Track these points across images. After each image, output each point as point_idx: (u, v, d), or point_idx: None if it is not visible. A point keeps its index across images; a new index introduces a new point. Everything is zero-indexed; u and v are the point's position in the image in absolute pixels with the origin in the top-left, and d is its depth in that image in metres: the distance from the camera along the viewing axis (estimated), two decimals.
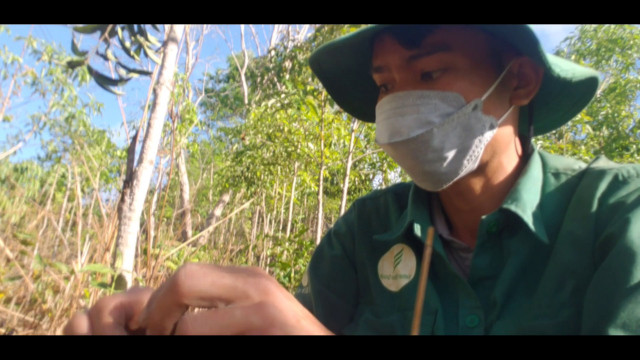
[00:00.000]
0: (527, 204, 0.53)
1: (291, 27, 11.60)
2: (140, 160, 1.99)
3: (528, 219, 0.52)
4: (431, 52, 0.52)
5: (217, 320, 0.28)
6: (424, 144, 0.52)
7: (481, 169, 0.56)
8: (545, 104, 0.63)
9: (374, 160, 7.61)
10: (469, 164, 0.54)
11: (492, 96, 0.54)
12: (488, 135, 0.54)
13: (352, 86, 0.66)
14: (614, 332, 0.40)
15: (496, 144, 0.55)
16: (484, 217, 0.54)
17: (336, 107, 5.03)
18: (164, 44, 2.17)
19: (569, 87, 0.60)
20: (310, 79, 4.61)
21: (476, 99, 0.52)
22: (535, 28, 0.52)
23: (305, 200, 9.55)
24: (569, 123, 5.75)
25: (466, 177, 0.56)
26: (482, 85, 0.53)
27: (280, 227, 7.54)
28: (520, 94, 0.57)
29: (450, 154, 0.53)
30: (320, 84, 4.52)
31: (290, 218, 6.41)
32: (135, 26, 1.92)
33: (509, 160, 0.58)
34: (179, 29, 2.22)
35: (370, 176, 8.34)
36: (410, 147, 0.52)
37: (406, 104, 0.52)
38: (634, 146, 5.80)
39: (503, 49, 0.55)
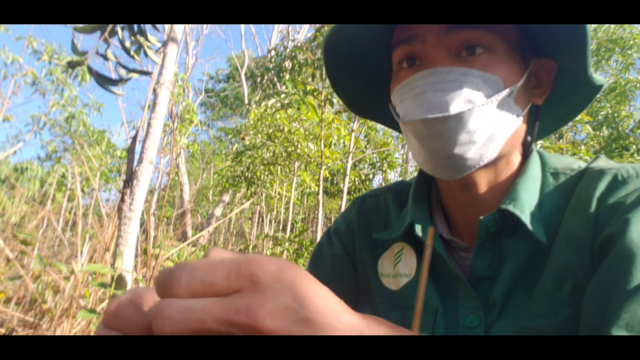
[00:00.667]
0: (526, 204, 0.53)
1: (291, 27, 11.60)
2: (140, 160, 1.99)
3: (526, 219, 0.52)
4: (475, 27, 0.51)
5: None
6: (461, 123, 0.50)
7: (493, 163, 0.56)
8: (553, 107, 0.63)
9: (374, 160, 7.61)
10: (493, 153, 0.53)
11: (521, 87, 0.54)
12: (514, 125, 0.54)
13: (357, 74, 0.64)
14: (617, 332, 0.40)
15: (515, 136, 0.55)
16: (482, 217, 0.54)
17: (336, 107, 5.02)
18: (164, 44, 2.17)
19: (573, 91, 0.60)
20: (310, 79, 4.61)
21: (513, 85, 0.52)
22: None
23: (305, 200, 9.55)
24: (569, 123, 5.75)
25: (477, 169, 0.55)
26: (516, 74, 0.53)
27: (280, 227, 7.54)
28: (535, 93, 0.58)
29: (481, 139, 0.51)
30: (320, 84, 4.51)
31: (290, 218, 6.41)
32: (135, 26, 1.92)
33: (515, 159, 0.58)
34: (179, 29, 2.22)
35: (370, 176, 8.34)
36: (447, 124, 0.50)
37: (447, 79, 0.50)
38: (634, 146, 5.79)
39: (527, 47, 0.56)
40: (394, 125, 0.72)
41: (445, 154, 0.51)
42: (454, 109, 0.49)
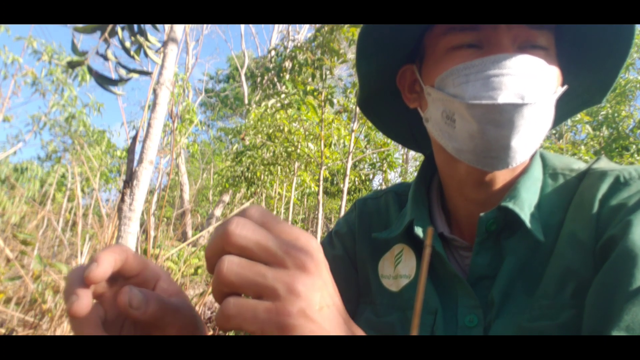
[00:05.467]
0: (526, 202, 0.53)
1: (291, 27, 11.59)
2: (140, 161, 1.99)
3: (525, 217, 0.52)
4: (542, 26, 0.51)
5: (243, 315, 0.30)
6: (532, 114, 0.49)
7: None
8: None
9: (374, 160, 7.61)
10: (531, 150, 0.52)
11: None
12: (549, 125, 0.53)
13: (385, 47, 0.60)
14: (617, 334, 0.40)
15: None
16: (482, 214, 0.54)
17: (336, 107, 5.02)
18: (164, 44, 2.17)
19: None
20: (310, 79, 4.61)
21: (560, 87, 0.53)
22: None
23: (305, 200, 9.54)
24: (569, 123, 5.75)
25: None
26: (559, 77, 0.54)
27: None
28: None
29: (534, 134, 0.51)
30: (320, 84, 4.51)
31: (290, 218, 6.41)
32: (135, 26, 1.92)
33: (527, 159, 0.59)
34: (179, 29, 2.22)
35: (370, 176, 8.34)
36: (522, 112, 0.48)
37: (532, 68, 0.49)
38: (634, 146, 5.78)
39: None
40: (393, 124, 0.72)
41: (505, 143, 0.50)
42: (531, 98, 0.48)
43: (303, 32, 11.88)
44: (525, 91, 0.48)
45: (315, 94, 4.52)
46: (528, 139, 0.51)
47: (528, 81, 0.49)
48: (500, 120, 0.49)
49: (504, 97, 0.48)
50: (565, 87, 0.53)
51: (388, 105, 0.69)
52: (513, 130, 0.49)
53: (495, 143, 0.50)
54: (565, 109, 0.63)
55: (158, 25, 2.05)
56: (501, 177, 0.56)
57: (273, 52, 4.92)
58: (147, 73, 2.02)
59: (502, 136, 0.49)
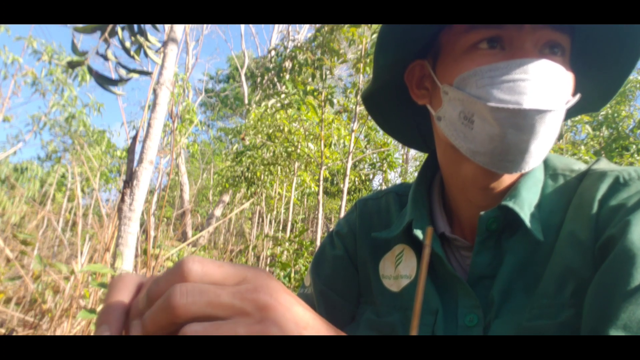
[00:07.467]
0: (526, 202, 0.53)
1: (291, 27, 11.60)
2: (140, 161, 1.99)
3: (525, 216, 0.52)
4: (563, 30, 0.51)
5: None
6: (553, 120, 0.49)
7: None
8: None
9: (374, 160, 7.62)
10: (544, 155, 0.52)
11: None
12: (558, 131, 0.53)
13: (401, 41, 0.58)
14: (615, 333, 0.40)
15: None
16: (482, 213, 0.54)
17: (336, 107, 5.02)
18: (164, 44, 2.17)
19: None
20: (310, 79, 4.61)
21: (572, 96, 0.53)
22: None
23: (305, 200, 9.55)
24: (569, 123, 5.75)
25: None
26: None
27: (280, 227, 7.54)
28: None
29: (549, 140, 0.51)
30: (320, 84, 4.51)
31: (290, 218, 6.41)
32: (135, 26, 1.92)
33: None
34: (179, 29, 2.22)
35: (370, 176, 8.34)
36: (545, 118, 0.48)
37: (556, 74, 0.49)
38: (634, 146, 5.79)
39: None
40: (397, 118, 0.70)
41: (524, 148, 0.49)
42: (554, 104, 0.48)
43: (303, 32, 11.88)
44: (549, 97, 0.48)
45: (315, 94, 4.52)
46: (544, 144, 0.51)
47: (551, 87, 0.49)
48: (523, 124, 0.48)
49: (529, 103, 0.48)
50: (579, 95, 0.53)
51: (393, 101, 0.68)
52: (533, 135, 0.49)
53: (514, 147, 0.50)
54: None
55: (158, 25, 2.05)
56: (507, 178, 0.56)
57: (273, 52, 4.92)
58: (147, 73, 2.02)
59: (522, 140, 0.49)
